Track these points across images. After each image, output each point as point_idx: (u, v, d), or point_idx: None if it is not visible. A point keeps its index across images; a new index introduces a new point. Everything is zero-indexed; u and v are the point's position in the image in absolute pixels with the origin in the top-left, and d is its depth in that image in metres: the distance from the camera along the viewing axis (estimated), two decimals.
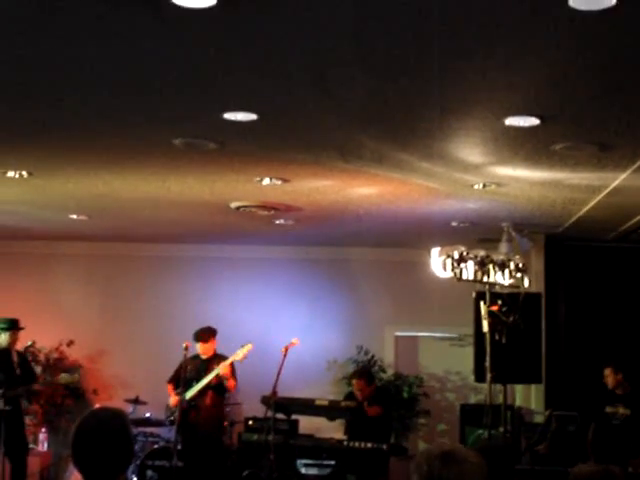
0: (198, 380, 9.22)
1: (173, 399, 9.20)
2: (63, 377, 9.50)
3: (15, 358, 9.29)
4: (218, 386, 9.24)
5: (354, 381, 9.12)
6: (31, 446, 9.95)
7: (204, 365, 9.29)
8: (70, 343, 10.81)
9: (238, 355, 9.13)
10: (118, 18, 3.89)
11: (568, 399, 9.46)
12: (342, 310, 11.20)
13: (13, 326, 9.27)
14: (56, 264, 11.41)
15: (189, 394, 9.18)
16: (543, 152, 6.21)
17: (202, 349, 9.35)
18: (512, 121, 5.41)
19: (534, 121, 5.40)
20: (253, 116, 5.43)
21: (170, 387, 9.36)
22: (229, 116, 5.43)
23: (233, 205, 8.45)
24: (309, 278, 11.26)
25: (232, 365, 9.19)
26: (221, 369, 9.10)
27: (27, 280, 11.35)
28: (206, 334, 9.36)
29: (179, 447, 9.11)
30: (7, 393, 8.96)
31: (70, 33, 4.11)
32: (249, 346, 9.16)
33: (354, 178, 7.29)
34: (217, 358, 9.31)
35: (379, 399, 8.94)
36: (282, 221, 9.32)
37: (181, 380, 9.23)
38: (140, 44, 4.24)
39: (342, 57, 4.41)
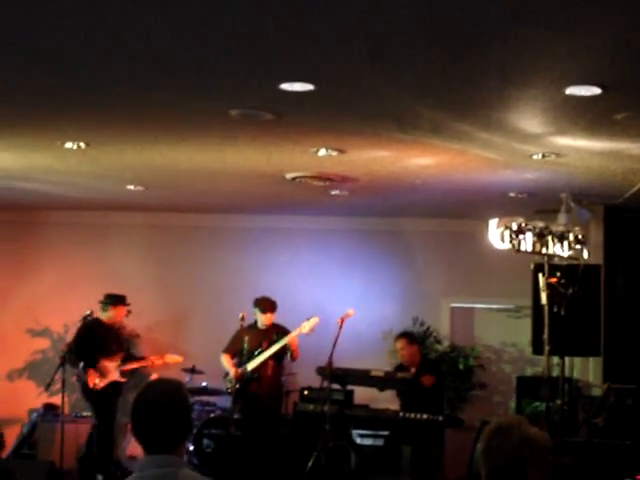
0: (259, 351, 9.27)
1: (234, 370, 9.27)
2: (169, 357, 9.85)
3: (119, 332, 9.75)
4: (279, 356, 9.30)
5: (396, 342, 9.16)
6: (85, 414, 10.13)
7: (264, 336, 9.34)
8: (128, 313, 10.92)
9: (305, 328, 9.18)
10: None
11: (627, 372, 9.35)
12: (398, 281, 11.17)
13: (123, 303, 9.68)
14: (113, 234, 11.52)
15: (251, 365, 9.24)
16: (604, 122, 6.10)
17: (266, 319, 9.39)
18: (573, 90, 5.31)
19: (596, 90, 5.29)
20: (310, 86, 5.40)
21: (227, 357, 9.42)
22: (286, 86, 5.41)
23: (289, 176, 8.45)
24: (365, 249, 11.24)
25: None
26: (289, 340, 9.15)
27: (85, 250, 11.47)
28: (274, 305, 9.41)
29: (237, 416, 9.22)
30: (121, 366, 9.42)
31: (126, 3, 4.11)
32: (316, 319, 9.20)
33: (411, 148, 7.24)
34: (276, 328, 9.35)
35: (431, 369, 8.94)
36: (338, 192, 9.30)
37: (238, 351, 9.34)
38: (196, 14, 4.22)
39: (401, 26, 4.35)
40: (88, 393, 9.25)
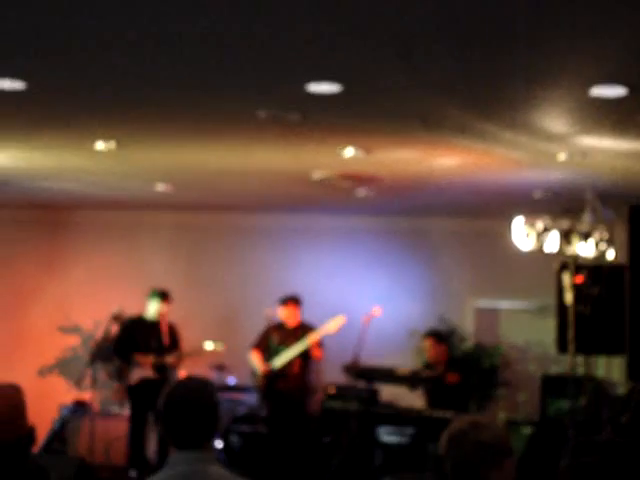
0: (286, 349, 9.35)
1: (262, 367, 9.35)
2: (208, 344, 9.67)
3: (164, 328, 9.53)
4: (305, 354, 9.37)
5: (424, 341, 9.21)
6: (117, 411, 10.26)
7: (291, 334, 9.40)
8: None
9: (331, 328, 9.22)
10: None
11: None
12: (423, 280, 11.22)
13: (162, 297, 9.53)
14: (142, 233, 11.64)
15: (277, 363, 9.32)
16: (629, 122, 6.11)
17: (283, 315, 9.46)
18: (598, 91, 5.33)
19: (621, 91, 5.32)
20: (337, 87, 5.45)
21: (255, 354, 9.50)
22: (313, 87, 5.46)
23: (315, 176, 8.51)
24: (390, 248, 11.29)
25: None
26: (311, 340, 9.20)
27: (114, 248, 11.60)
28: (286, 299, 9.48)
29: (264, 413, 9.30)
30: (156, 361, 9.30)
31: (155, 8, 4.18)
32: (341, 318, 9.24)
33: (436, 149, 7.28)
34: (304, 327, 9.42)
35: (457, 368, 8.99)
36: (364, 192, 9.35)
37: (266, 348, 9.41)
38: (224, 16, 4.28)
39: (427, 26, 4.40)
40: (126, 389, 9.36)
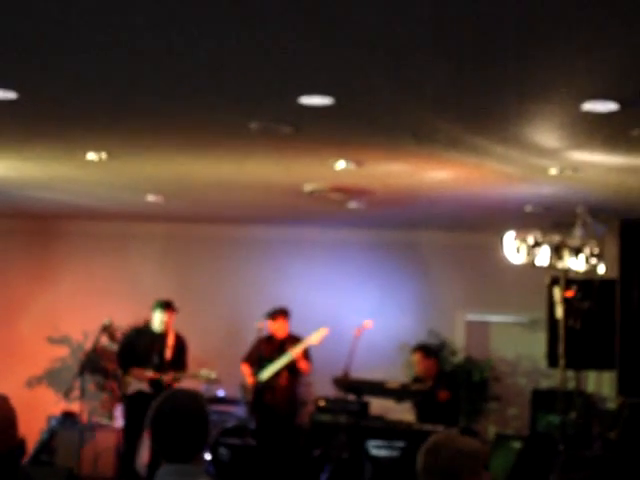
0: (273, 361, 9.34)
1: (250, 379, 9.33)
2: (203, 372, 9.46)
3: (170, 341, 9.32)
4: (292, 367, 9.35)
5: (412, 355, 9.21)
6: (106, 422, 10.22)
7: (280, 346, 9.40)
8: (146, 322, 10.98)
9: (312, 339, 9.22)
10: (195, 2, 3.94)
11: None
12: (414, 293, 11.22)
13: (163, 307, 9.33)
14: (132, 244, 11.62)
15: (264, 375, 9.31)
16: (621, 138, 6.13)
17: (272, 328, 9.46)
18: (590, 106, 5.34)
19: (612, 106, 5.33)
20: (329, 100, 5.46)
21: (245, 367, 9.48)
22: (305, 100, 5.46)
23: (307, 188, 8.51)
24: (381, 261, 11.29)
25: (306, 348, 9.31)
26: (294, 352, 9.20)
27: (104, 259, 11.57)
28: (275, 313, 9.46)
29: (252, 426, 9.27)
30: (154, 377, 9.09)
31: (148, 20, 4.18)
32: (324, 330, 9.24)
33: (428, 162, 7.29)
34: (291, 339, 9.41)
35: (447, 384, 8.98)
36: (355, 204, 9.35)
37: (256, 361, 9.39)
38: (216, 29, 4.28)
39: (420, 41, 4.41)
40: (123, 399, 9.29)
